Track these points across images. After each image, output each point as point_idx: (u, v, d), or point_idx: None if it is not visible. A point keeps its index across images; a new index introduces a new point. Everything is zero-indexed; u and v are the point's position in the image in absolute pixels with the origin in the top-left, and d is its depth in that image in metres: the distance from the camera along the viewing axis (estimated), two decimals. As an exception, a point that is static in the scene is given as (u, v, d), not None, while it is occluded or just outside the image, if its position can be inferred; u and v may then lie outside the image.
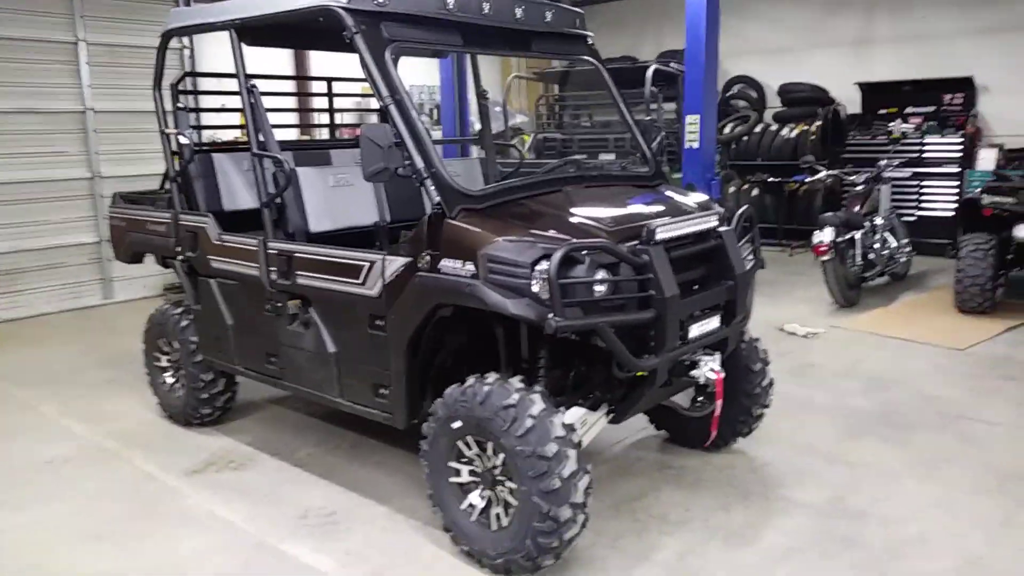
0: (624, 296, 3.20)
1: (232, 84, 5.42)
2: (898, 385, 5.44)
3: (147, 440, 4.85)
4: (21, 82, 8.03)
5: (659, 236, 3.28)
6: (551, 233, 3.24)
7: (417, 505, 3.88)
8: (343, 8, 3.48)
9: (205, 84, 8.78)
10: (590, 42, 4.57)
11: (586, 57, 4.56)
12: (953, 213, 9.94)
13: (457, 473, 3.37)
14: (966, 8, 10.42)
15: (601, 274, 3.14)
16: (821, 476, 4.11)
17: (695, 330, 3.46)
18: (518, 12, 4.02)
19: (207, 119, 7.16)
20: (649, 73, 8.27)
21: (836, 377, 5.65)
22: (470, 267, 3.21)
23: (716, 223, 3.71)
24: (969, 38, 10.42)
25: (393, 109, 3.42)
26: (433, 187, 3.34)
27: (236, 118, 8.24)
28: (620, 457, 4.38)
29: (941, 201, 10.10)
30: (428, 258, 3.36)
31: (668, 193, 4.13)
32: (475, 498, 3.34)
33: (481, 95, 5.42)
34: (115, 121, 8.72)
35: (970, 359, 5.99)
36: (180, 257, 4.79)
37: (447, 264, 3.29)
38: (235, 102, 5.69)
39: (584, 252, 3.11)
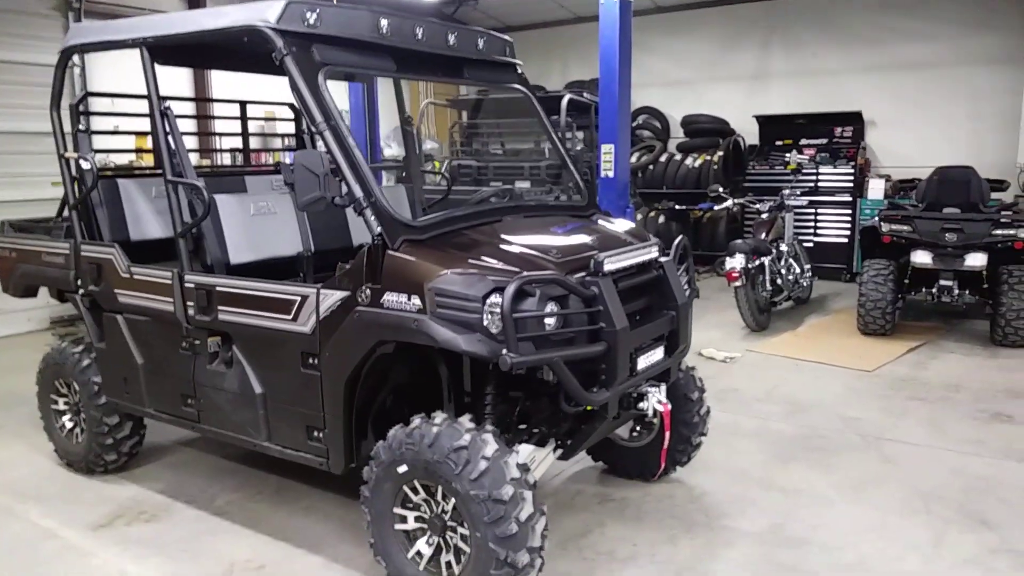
0: (574, 329, 3.12)
1: (129, 105, 5.13)
2: (817, 408, 5.60)
3: (43, 491, 4.41)
4: None
5: (607, 268, 3.23)
6: (499, 265, 3.13)
7: (353, 553, 3.66)
8: (272, 29, 3.29)
9: (98, 105, 8.28)
10: (519, 70, 4.52)
11: (516, 85, 4.50)
12: (847, 239, 10.47)
13: (403, 520, 3.18)
14: (854, 47, 11.07)
15: (551, 307, 3.05)
16: (758, 503, 4.14)
17: (642, 362, 3.42)
18: (451, 39, 3.93)
19: (99, 142, 6.69)
20: (564, 102, 8.32)
21: (758, 402, 5.76)
22: (416, 301, 3.06)
23: (657, 253, 3.70)
24: (857, 75, 11.06)
25: (328, 135, 3.25)
26: (373, 217, 3.18)
27: (131, 141, 7.83)
28: (560, 491, 4.28)
29: (836, 228, 10.61)
30: (369, 292, 3.19)
31: (603, 223, 4.11)
32: (423, 545, 3.16)
33: (406, 121, 5.28)
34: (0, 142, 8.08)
35: (879, 380, 6.23)
36: (81, 291, 4.41)
37: (390, 298, 3.13)
38: (129, 125, 5.41)
39: (534, 285, 3.02)
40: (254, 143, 9.59)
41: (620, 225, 4.17)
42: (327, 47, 3.41)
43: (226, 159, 9.13)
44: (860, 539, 3.78)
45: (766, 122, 11.44)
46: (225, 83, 9.53)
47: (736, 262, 7.44)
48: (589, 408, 3.31)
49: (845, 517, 4.00)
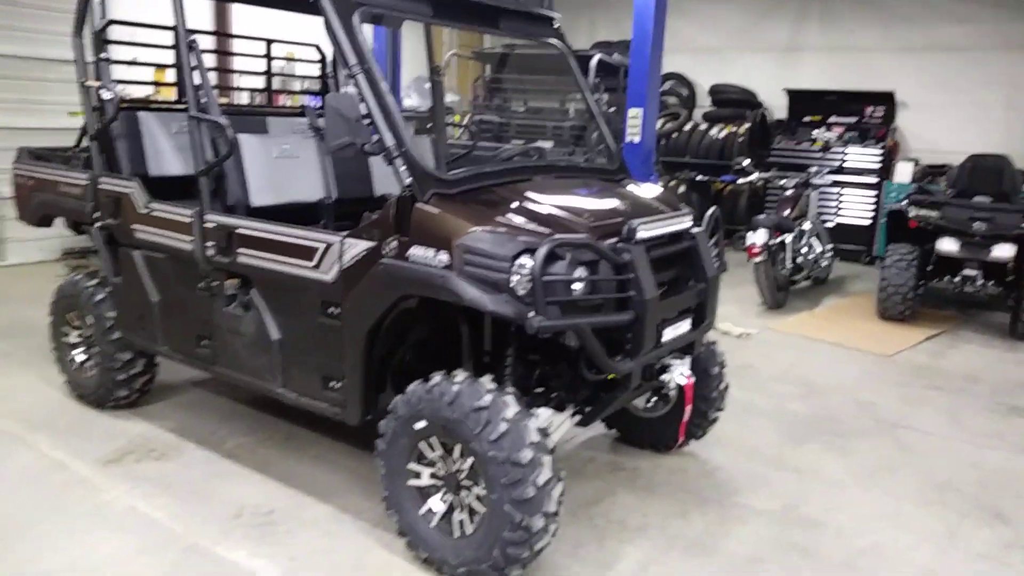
0: (603, 296, 3.05)
1: (149, 36, 4.99)
2: (832, 390, 5.53)
3: (53, 423, 4.39)
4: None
5: (640, 235, 3.14)
6: (530, 226, 3.04)
7: (363, 505, 3.63)
8: (311, -36, 3.16)
9: (116, 34, 8.11)
10: (556, 25, 4.37)
11: (552, 40, 4.35)
12: (870, 221, 10.31)
13: (417, 476, 3.14)
14: (890, 25, 10.78)
15: (580, 272, 2.97)
16: (772, 483, 4.10)
17: (668, 333, 3.34)
18: (489, -14, 3.79)
19: (116, 72, 6.54)
20: (593, 63, 8.11)
21: (773, 380, 5.69)
22: (443, 257, 2.98)
23: (690, 223, 3.61)
24: (892, 54, 10.79)
25: (362, 79, 3.14)
26: (404, 167, 3.08)
27: (149, 73, 7.68)
28: (571, 457, 4.24)
29: (859, 209, 10.43)
30: (395, 244, 3.11)
31: (633, 188, 4.00)
32: (436, 503, 3.12)
33: (435, 71, 5.14)
34: (11, 67, 7.93)
35: (897, 366, 6.16)
36: (98, 224, 4.34)
37: (417, 252, 3.05)
38: (147, 56, 5.28)
39: (565, 248, 2.94)
40: (274, 84, 9.43)
41: (651, 191, 4.06)
42: (364, -13, 3.28)
43: (243, 98, 8.99)
44: (874, 525, 3.74)
45: (796, 96, 11.20)
46: (245, 20, 9.32)
47: (758, 237, 7.32)
48: (612, 377, 3.26)
49: (859, 502, 3.96)
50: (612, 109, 8.83)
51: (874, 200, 10.31)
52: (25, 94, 8.02)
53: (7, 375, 5.07)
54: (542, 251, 2.81)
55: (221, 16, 9.90)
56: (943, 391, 5.65)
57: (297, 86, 9.92)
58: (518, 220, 3.07)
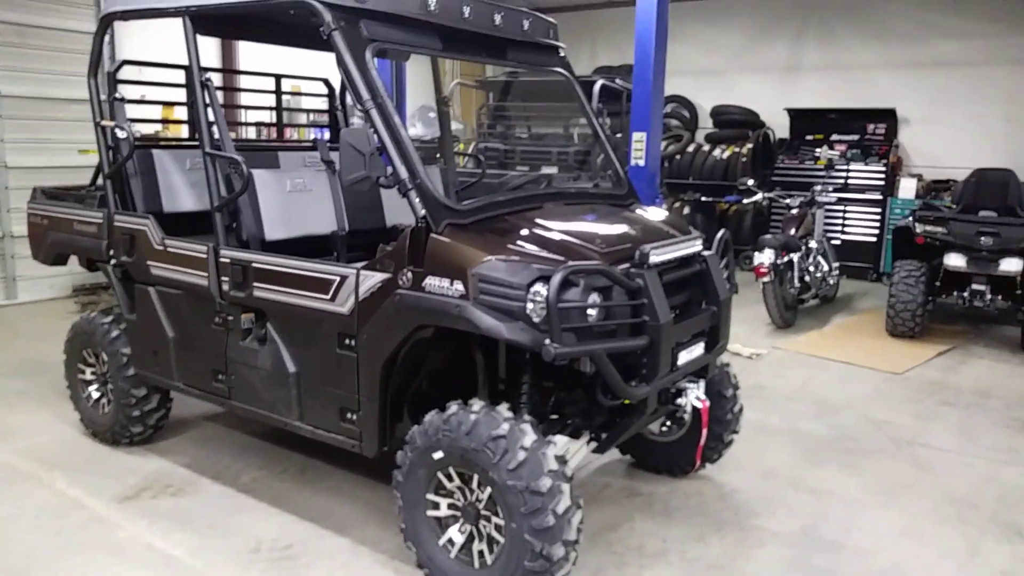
0: (617, 321, 3.07)
1: (158, 74, 5.08)
2: (846, 409, 5.52)
3: (68, 461, 4.40)
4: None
5: (652, 260, 3.16)
6: (544, 253, 3.07)
7: (380, 537, 3.63)
8: (321, 2, 3.23)
9: (125, 73, 8.23)
10: (562, 54, 4.44)
11: (558, 69, 4.42)
12: (875, 238, 10.33)
13: (435, 507, 3.15)
14: (889, 42, 10.88)
15: (595, 298, 3.00)
16: (789, 504, 4.09)
17: (683, 357, 3.36)
18: (496, 19, 3.86)
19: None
20: (597, 88, 8.23)
21: (786, 400, 5.69)
22: (458, 286, 3.01)
23: (700, 247, 3.63)
24: (892, 71, 10.88)
25: (375, 113, 3.19)
26: (418, 199, 3.12)
27: (157, 111, 7.78)
28: (587, 483, 4.24)
29: (864, 226, 10.46)
30: (410, 275, 3.14)
31: (643, 213, 4.03)
32: (455, 533, 3.13)
33: (443, 102, 5.21)
34: (24, 107, 8.05)
35: (908, 384, 6.15)
36: (113, 262, 4.38)
37: (432, 282, 3.08)
38: (156, 94, 5.37)
39: (579, 275, 2.96)
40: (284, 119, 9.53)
41: (661, 215, 4.10)
42: (375, 23, 3.35)
43: (251, 132, 9.10)
44: (893, 544, 3.72)
45: (797, 115, 11.28)
46: (252, 55, 9.45)
47: (765, 257, 7.34)
48: (627, 402, 3.27)
49: (878, 521, 3.94)
50: (619, 135, 8.95)
51: (879, 217, 10.34)
52: (36, 133, 8.13)
53: (23, 413, 5.09)
54: (557, 278, 2.84)
55: (227, 52, 10.04)
56: (956, 407, 5.64)
57: (303, 119, 10.03)
58: (531, 248, 3.10)
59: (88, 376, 4.68)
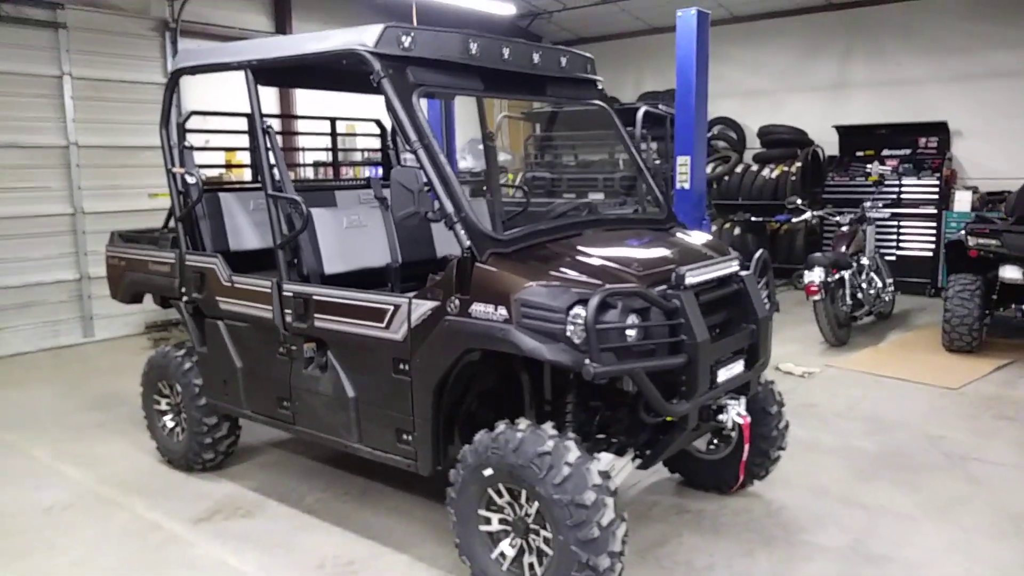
0: (656, 341, 3.20)
1: (220, 122, 5.44)
2: (900, 426, 5.50)
3: (146, 486, 4.70)
4: (4, 116, 7.91)
5: (688, 281, 3.30)
6: (582, 278, 3.23)
7: (437, 553, 3.80)
8: (371, 52, 3.48)
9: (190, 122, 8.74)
10: (600, 86, 4.62)
11: (596, 101, 4.59)
12: (931, 253, 10.18)
13: (487, 521, 3.31)
14: (938, 55, 10.79)
15: (633, 319, 3.14)
16: (839, 520, 4.12)
17: (723, 374, 3.46)
18: (535, 58, 4.07)
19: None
20: (640, 115, 8.38)
21: (838, 417, 5.69)
22: (503, 311, 3.19)
23: (737, 267, 3.75)
24: (942, 84, 10.78)
25: (422, 153, 3.41)
26: (463, 231, 3.33)
27: (220, 156, 8.24)
28: (636, 502, 4.34)
29: (920, 241, 10.33)
30: (458, 302, 3.34)
31: (682, 236, 4.17)
32: (506, 547, 3.28)
33: (488, 137, 5.42)
34: (98, 156, 8.61)
35: (964, 399, 6.08)
36: (185, 298, 4.70)
37: (478, 308, 3.27)
38: (219, 140, 5.75)
39: (616, 297, 3.12)
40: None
41: (699, 238, 4.22)
42: (420, 68, 3.59)
43: (309, 172, 9.51)
44: (945, 559, 3.73)
45: (846, 132, 11.23)
46: (308, 100, 9.91)
47: (815, 275, 7.35)
48: (669, 419, 3.39)
49: (930, 536, 3.95)
50: (658, 161, 9.07)
51: (934, 231, 10.20)
52: (110, 180, 8.67)
53: (104, 443, 5.44)
54: (594, 301, 3.00)
55: (284, 98, 10.53)
56: (1014, 422, 5.56)
57: (358, 158, 10.44)
58: (571, 273, 3.27)
59: (163, 407, 4.99)
